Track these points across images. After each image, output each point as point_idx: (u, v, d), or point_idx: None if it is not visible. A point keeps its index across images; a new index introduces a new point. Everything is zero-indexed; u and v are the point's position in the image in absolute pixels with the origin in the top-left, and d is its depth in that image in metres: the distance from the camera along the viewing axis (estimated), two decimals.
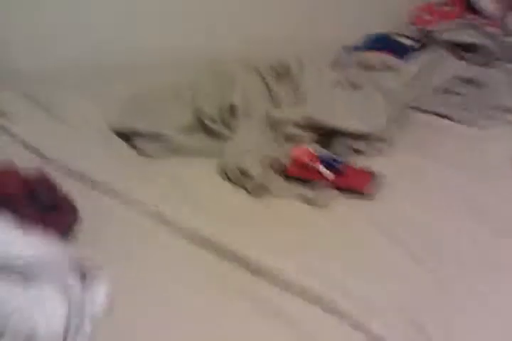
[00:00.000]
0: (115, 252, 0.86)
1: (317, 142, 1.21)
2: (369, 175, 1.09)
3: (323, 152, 1.14)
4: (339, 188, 1.06)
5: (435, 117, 1.40)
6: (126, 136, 1.21)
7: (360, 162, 1.16)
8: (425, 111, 1.41)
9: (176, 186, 1.06)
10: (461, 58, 1.59)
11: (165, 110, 1.26)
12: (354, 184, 1.06)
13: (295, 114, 1.21)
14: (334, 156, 1.12)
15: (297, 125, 1.20)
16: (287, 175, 1.09)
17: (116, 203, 0.99)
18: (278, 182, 1.08)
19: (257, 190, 1.04)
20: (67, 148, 1.13)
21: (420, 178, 1.13)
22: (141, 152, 1.18)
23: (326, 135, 1.22)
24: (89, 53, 1.46)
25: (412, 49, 1.63)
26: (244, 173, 1.06)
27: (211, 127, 1.23)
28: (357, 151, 1.21)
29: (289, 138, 1.20)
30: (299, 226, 0.97)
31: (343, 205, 1.03)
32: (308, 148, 1.12)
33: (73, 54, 1.44)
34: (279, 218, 1.00)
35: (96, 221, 0.91)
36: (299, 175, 1.09)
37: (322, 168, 1.07)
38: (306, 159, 1.09)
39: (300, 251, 0.89)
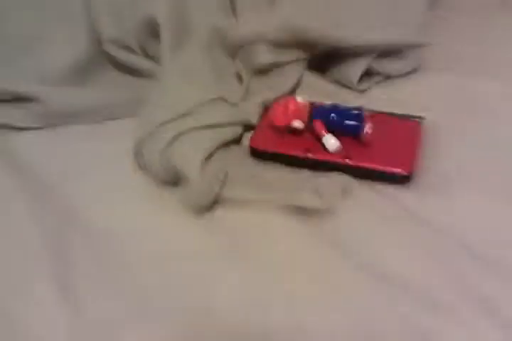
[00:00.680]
0: None
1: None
2: (416, 134, 0.57)
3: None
4: (361, 171, 0.55)
5: None
6: None
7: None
8: None
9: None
10: None
11: (40, 35, 0.70)
12: (388, 161, 0.54)
13: (266, 23, 0.66)
14: (350, 107, 0.59)
15: (273, 43, 0.65)
16: (256, 153, 0.58)
17: None
18: (240, 175, 0.55)
19: (198, 201, 0.52)
20: None
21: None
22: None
23: (323, 57, 0.67)
24: None
25: None
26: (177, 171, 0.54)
27: (120, 58, 0.70)
28: (371, 74, 0.67)
29: (261, 71, 0.66)
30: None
31: (363, 208, 0.52)
32: (297, 97, 0.59)
33: None
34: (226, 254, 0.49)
35: None
36: (275, 150, 0.57)
37: (326, 136, 0.55)
38: (290, 118, 0.57)
39: None
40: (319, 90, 0.66)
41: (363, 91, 0.66)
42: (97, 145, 0.61)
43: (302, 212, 0.50)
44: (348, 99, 0.64)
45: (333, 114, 0.56)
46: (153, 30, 0.69)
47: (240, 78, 0.65)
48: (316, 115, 0.56)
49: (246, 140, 0.59)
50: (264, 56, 0.65)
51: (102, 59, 0.71)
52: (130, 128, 0.58)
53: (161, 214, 0.52)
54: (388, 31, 0.65)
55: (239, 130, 0.59)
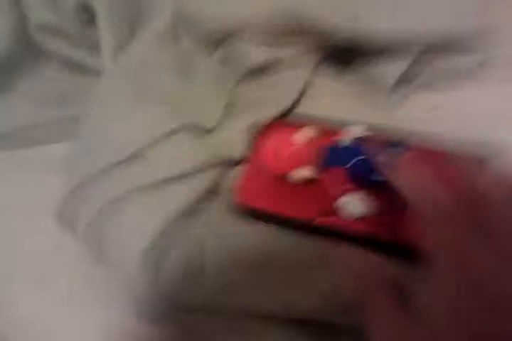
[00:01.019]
0: None
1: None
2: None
3: (351, 133, 0.40)
4: (397, 248, 0.35)
5: None
6: None
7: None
8: None
9: None
10: None
11: None
12: None
13: (255, 6, 0.45)
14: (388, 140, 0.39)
15: (268, 33, 0.45)
16: (243, 210, 0.39)
17: None
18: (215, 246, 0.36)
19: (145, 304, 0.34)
20: None
21: None
22: None
23: (343, 51, 0.47)
24: None
25: None
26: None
27: (55, 51, 0.50)
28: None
29: (250, 75, 0.46)
30: None
31: None
32: (303, 129, 0.40)
33: None
34: None
35: None
36: (268, 209, 0.37)
37: (347, 195, 0.36)
38: (291, 162, 0.38)
39: None
40: (334, 100, 0.46)
41: (399, 102, 0.46)
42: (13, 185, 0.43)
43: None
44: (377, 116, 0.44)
45: (356, 159, 0.36)
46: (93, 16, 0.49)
47: (218, 86, 0.45)
48: (332, 159, 0.37)
49: (227, 184, 0.40)
50: (257, 52, 0.45)
51: (32, 54, 0.51)
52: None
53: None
54: (431, 18, 0.44)
55: (216, 173, 0.40)
